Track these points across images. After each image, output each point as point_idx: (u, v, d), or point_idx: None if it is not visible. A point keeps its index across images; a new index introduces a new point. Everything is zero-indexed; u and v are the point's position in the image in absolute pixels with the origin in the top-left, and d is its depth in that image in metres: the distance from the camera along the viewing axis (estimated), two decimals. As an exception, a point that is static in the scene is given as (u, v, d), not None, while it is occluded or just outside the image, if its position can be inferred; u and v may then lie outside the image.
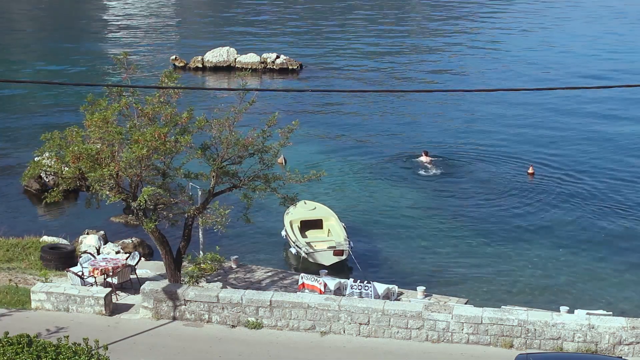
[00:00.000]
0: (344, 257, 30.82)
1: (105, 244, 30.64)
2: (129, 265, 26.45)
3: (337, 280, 26.33)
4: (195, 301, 23.27)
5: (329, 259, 30.65)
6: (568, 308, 24.56)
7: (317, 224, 33.18)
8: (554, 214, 37.02)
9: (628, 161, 44.55)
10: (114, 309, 24.14)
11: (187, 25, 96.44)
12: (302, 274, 27.12)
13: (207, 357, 21.35)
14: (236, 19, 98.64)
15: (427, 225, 35.71)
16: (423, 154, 44.07)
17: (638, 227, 35.62)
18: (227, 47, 69.45)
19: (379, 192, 39.76)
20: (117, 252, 29.46)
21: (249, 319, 23.07)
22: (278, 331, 22.86)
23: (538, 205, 37.91)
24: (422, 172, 42.47)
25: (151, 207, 23.86)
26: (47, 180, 37.52)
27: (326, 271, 28.46)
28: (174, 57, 69.61)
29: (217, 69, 67.86)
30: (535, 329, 21.77)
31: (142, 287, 23.81)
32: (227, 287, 25.10)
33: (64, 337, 16.66)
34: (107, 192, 23.05)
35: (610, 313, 24.11)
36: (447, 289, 29.15)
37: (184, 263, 25.37)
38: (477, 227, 35.43)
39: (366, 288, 25.60)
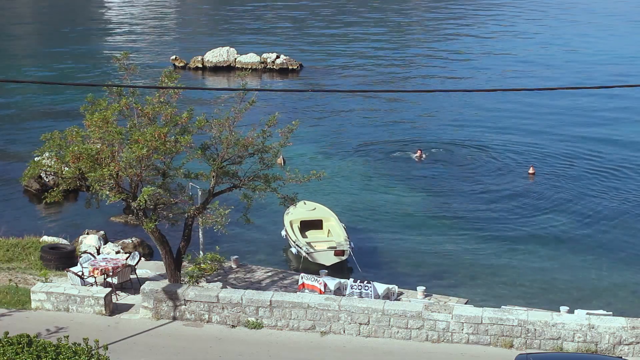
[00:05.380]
0: (344, 257, 30.81)
1: (105, 244, 30.64)
2: (129, 265, 26.45)
3: (337, 280, 26.34)
4: (195, 301, 23.27)
5: (329, 259, 30.64)
6: (568, 308, 24.57)
7: (317, 225, 33.17)
8: (554, 214, 37.02)
9: (629, 161, 44.51)
10: (114, 309, 24.15)
11: (187, 25, 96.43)
12: (302, 274, 27.12)
13: (207, 357, 21.35)
14: (236, 19, 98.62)
15: (427, 226, 35.71)
16: (418, 151, 44.45)
17: (638, 227, 35.63)
18: (227, 47, 69.46)
19: (379, 192, 39.76)
20: (117, 252, 29.46)
21: (249, 319, 23.07)
22: (278, 331, 22.86)
23: (538, 206, 37.92)
24: (421, 171, 42.54)
25: (151, 207, 23.87)
26: (47, 180, 37.51)
27: (326, 271, 28.47)
28: (174, 57, 69.61)
29: (217, 69, 67.88)
30: (535, 329, 21.78)
31: (142, 287, 23.81)
32: (227, 287, 25.10)
33: (64, 337, 16.68)
34: (107, 192, 23.06)
35: (610, 313, 24.10)
36: (447, 289, 29.16)
37: (184, 263, 25.38)
38: (478, 228, 35.44)
39: (366, 288, 25.60)
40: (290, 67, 67.59)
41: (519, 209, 37.49)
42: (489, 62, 72.52)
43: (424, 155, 44.50)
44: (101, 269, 25.60)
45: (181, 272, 25.24)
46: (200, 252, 27.42)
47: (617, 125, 52.00)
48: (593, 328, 21.56)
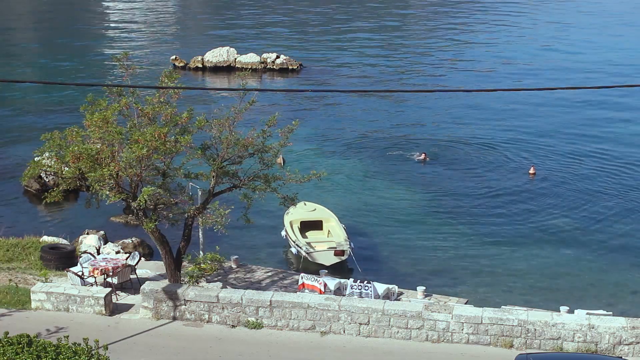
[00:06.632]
0: (344, 257, 30.81)
1: (105, 244, 30.64)
2: (129, 265, 26.45)
3: (337, 280, 26.33)
4: (195, 301, 23.27)
5: (329, 259, 30.64)
6: (568, 308, 24.57)
7: (317, 225, 33.15)
8: (555, 214, 37.03)
9: (630, 161, 44.52)
10: (114, 309, 24.15)
11: (187, 26, 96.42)
12: (302, 274, 27.12)
13: (207, 357, 21.35)
14: (236, 19, 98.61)
15: (427, 226, 35.70)
16: (423, 154, 44.37)
17: (638, 227, 35.62)
18: (227, 47, 69.42)
19: (379, 192, 39.74)
20: (117, 252, 29.46)
21: (249, 319, 23.07)
22: (278, 331, 22.86)
23: (539, 206, 37.93)
24: (421, 171, 42.52)
25: (151, 207, 23.88)
26: (47, 180, 37.51)
27: (326, 271, 28.47)
28: (174, 57, 69.58)
29: (217, 69, 67.85)
30: (535, 329, 21.78)
31: (142, 287, 23.82)
32: (227, 287, 25.11)
33: (64, 337, 16.68)
34: (107, 192, 23.06)
35: (610, 313, 24.11)
36: (447, 289, 29.16)
37: (184, 263, 25.38)
38: (478, 228, 35.45)
39: (366, 288, 25.60)
40: (290, 67, 67.57)
41: (519, 210, 37.49)
42: (489, 63, 72.44)
43: (428, 159, 44.22)
44: (101, 269, 25.59)
45: (181, 272, 25.24)
46: (200, 252, 27.41)
47: (619, 126, 51.99)
48: (593, 328, 21.56)
